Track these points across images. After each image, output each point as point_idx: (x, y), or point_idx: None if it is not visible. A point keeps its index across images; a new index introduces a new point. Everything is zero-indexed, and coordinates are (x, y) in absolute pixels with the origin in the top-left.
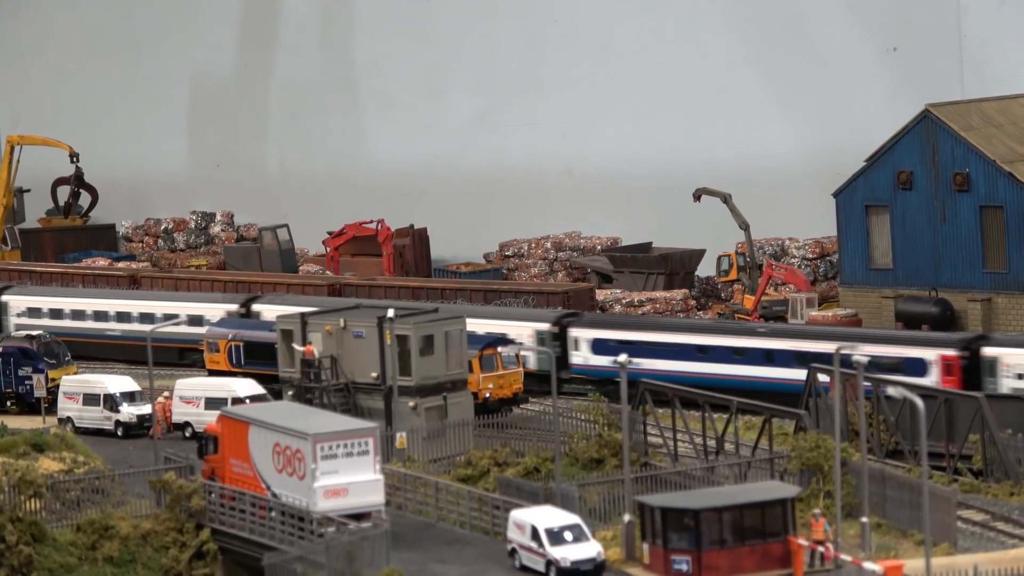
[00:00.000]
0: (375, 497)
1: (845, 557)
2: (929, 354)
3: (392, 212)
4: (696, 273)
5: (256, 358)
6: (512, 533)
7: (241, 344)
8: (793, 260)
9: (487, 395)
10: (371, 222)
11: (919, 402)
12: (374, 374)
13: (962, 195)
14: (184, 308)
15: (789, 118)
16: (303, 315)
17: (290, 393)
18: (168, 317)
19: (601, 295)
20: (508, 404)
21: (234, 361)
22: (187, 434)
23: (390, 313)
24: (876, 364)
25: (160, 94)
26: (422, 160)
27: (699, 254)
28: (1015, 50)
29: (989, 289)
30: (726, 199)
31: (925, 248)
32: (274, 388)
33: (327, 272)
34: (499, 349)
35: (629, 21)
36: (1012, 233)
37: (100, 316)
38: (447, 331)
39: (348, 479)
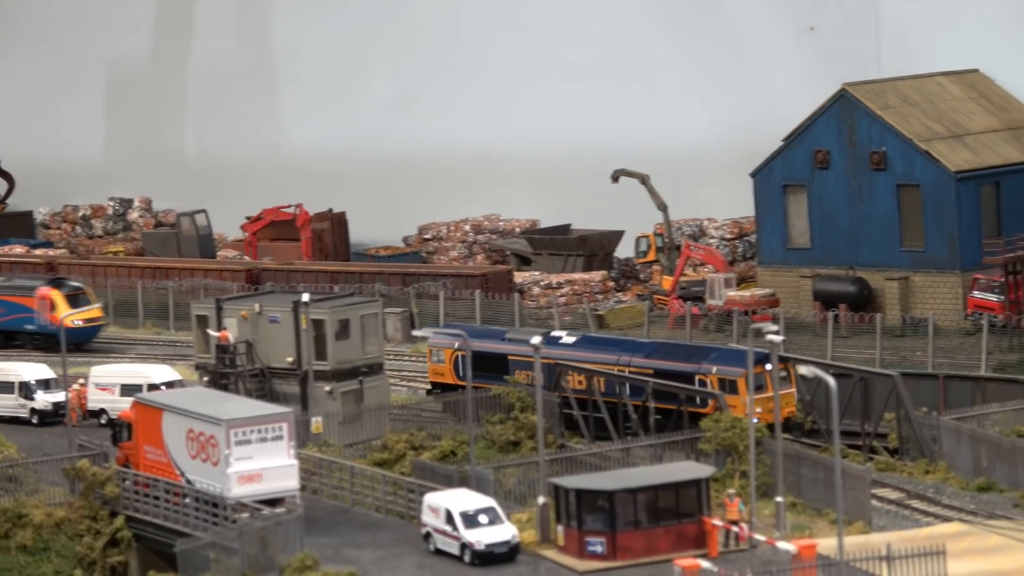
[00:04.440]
0: (289, 482)
1: (760, 537)
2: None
3: (310, 196)
4: (615, 254)
5: (486, 370)
6: (427, 517)
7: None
8: (711, 240)
9: (755, 420)
10: (289, 207)
11: (831, 381)
12: (290, 359)
13: (879, 174)
14: None
15: (707, 98)
16: (218, 300)
17: (205, 379)
18: None
19: (520, 277)
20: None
21: (460, 373)
22: (102, 421)
23: (305, 297)
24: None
25: (77, 80)
26: (340, 144)
27: (617, 235)
28: (931, 29)
29: (907, 268)
30: (644, 180)
31: (842, 227)
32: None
33: (245, 257)
34: (767, 367)
35: (546, 3)
36: (929, 211)
37: None
38: (363, 315)
39: (262, 465)
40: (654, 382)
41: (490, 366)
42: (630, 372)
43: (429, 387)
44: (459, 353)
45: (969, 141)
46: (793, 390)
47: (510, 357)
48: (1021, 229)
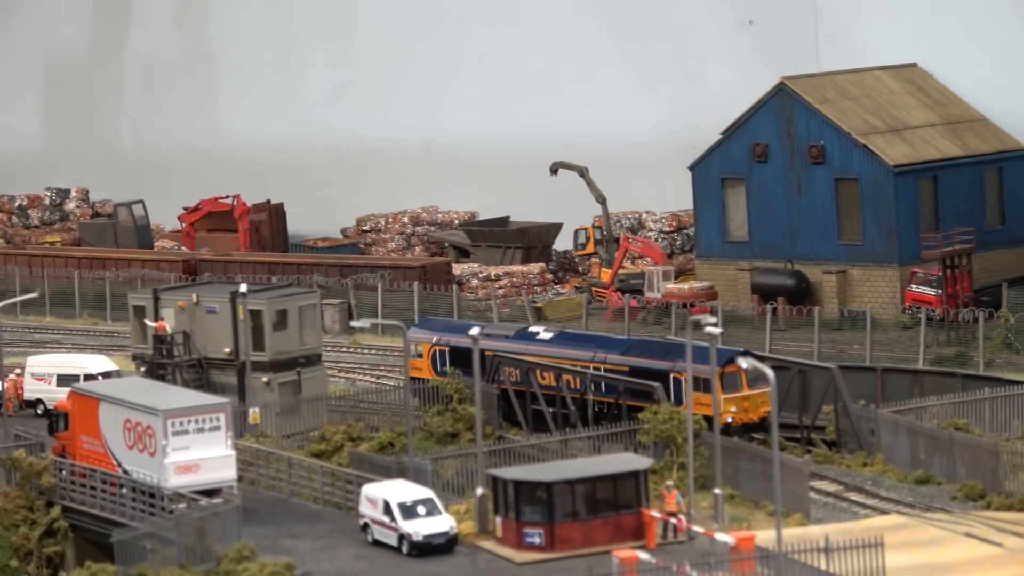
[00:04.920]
0: (227, 473)
1: (698, 529)
2: None
3: (248, 187)
4: (553, 247)
5: (464, 364)
6: (364, 508)
7: (447, 349)
8: (650, 233)
9: (729, 420)
10: (227, 197)
11: (770, 373)
12: (227, 349)
13: (817, 167)
14: None
15: (645, 91)
16: (155, 290)
17: (142, 369)
18: None
19: (458, 269)
20: (755, 431)
21: (439, 368)
22: (39, 411)
23: (242, 288)
24: None
25: (13, 69)
26: (278, 135)
27: (556, 228)
28: (870, 23)
29: (844, 261)
30: (583, 173)
31: (781, 220)
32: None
33: (183, 248)
34: (743, 365)
35: None
36: (867, 205)
37: None
38: (301, 306)
39: (199, 455)
40: (593, 375)
41: (467, 361)
42: (605, 369)
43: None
44: (437, 348)
45: (907, 135)
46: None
47: (487, 352)
48: (958, 223)
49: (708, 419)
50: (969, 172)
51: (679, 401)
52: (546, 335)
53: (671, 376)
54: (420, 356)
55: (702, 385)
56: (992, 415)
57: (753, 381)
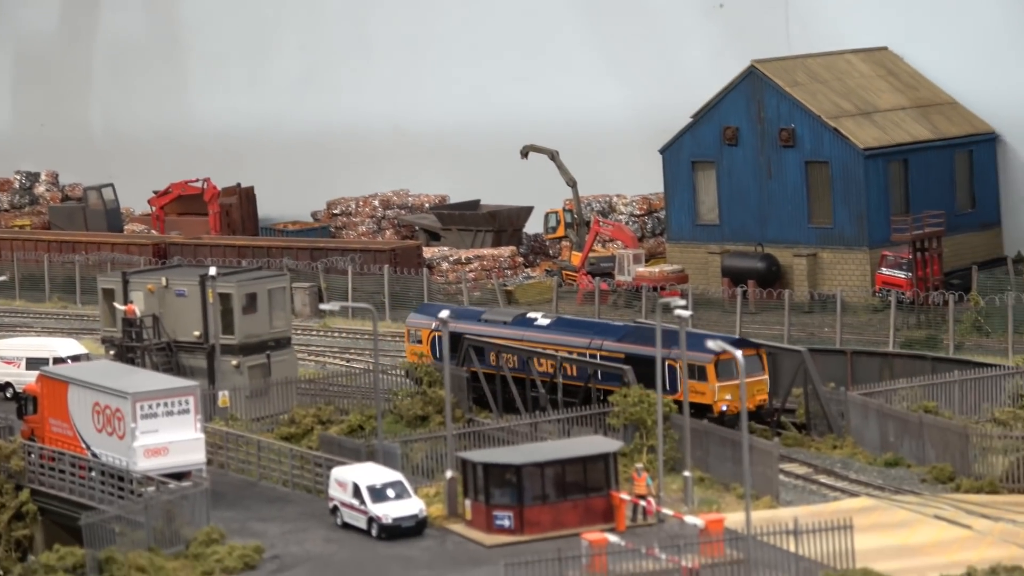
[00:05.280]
0: (196, 456)
1: (667, 511)
2: None
3: (218, 171)
4: (524, 230)
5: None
6: (334, 491)
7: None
8: (620, 217)
9: (724, 408)
10: (197, 181)
11: (739, 355)
12: (197, 332)
13: (788, 151)
14: None
15: (616, 75)
16: (125, 273)
17: (111, 352)
18: None
19: (429, 253)
20: (750, 419)
21: (438, 354)
22: (8, 395)
23: (212, 271)
24: None
25: None
26: (248, 119)
27: (527, 211)
28: (840, 6)
29: (815, 244)
30: (553, 156)
31: (751, 204)
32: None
33: (153, 231)
34: (711, 347)
35: None
36: (837, 188)
37: None
38: (270, 289)
39: (168, 438)
40: (562, 357)
41: (503, 349)
42: (601, 356)
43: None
44: (436, 334)
45: (877, 119)
46: (765, 376)
47: (488, 340)
48: (928, 206)
49: (706, 407)
50: (939, 155)
51: (674, 389)
52: (544, 321)
53: (666, 363)
54: (420, 342)
55: (696, 373)
56: (962, 398)
57: (749, 369)
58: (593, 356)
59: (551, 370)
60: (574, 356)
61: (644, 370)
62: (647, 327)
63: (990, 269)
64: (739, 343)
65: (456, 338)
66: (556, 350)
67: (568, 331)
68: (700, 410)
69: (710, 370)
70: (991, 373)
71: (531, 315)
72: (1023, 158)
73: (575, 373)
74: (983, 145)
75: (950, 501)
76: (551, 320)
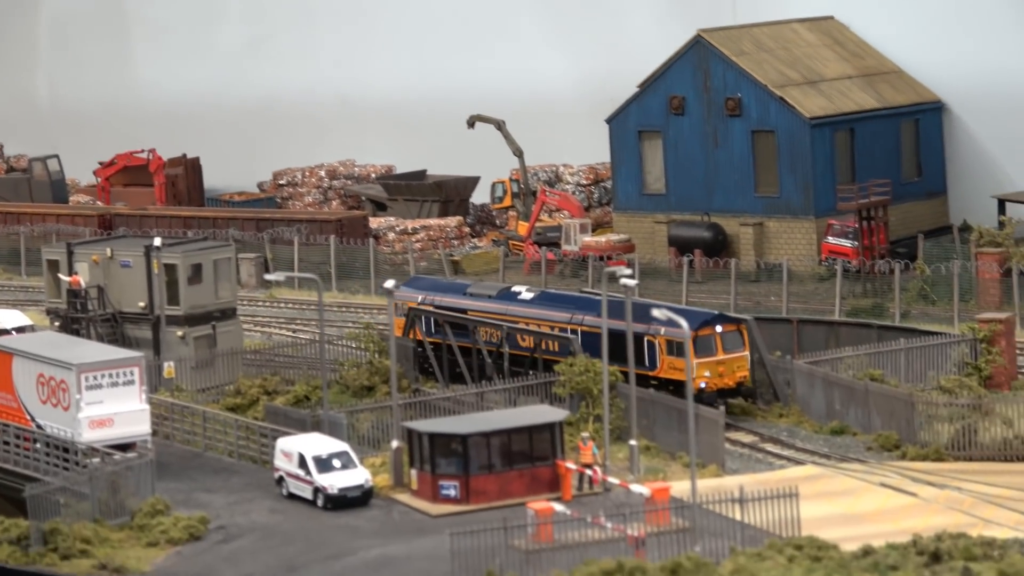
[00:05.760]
0: (141, 427)
1: (613, 480)
2: None
3: (164, 141)
4: (471, 200)
5: (452, 326)
6: (279, 461)
7: (431, 308)
8: (567, 186)
9: (702, 385)
10: (142, 152)
11: (685, 324)
12: (142, 303)
13: (734, 120)
14: None
15: (562, 44)
16: (69, 244)
17: (56, 324)
18: None
19: (375, 223)
20: (730, 396)
21: (424, 329)
22: None
23: (156, 242)
24: None
25: None
26: (194, 89)
27: (473, 181)
28: None
29: (761, 213)
30: (500, 126)
31: (697, 173)
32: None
33: (98, 202)
34: (716, 329)
35: None
36: (783, 157)
37: None
38: (216, 260)
39: (113, 409)
40: (508, 327)
41: (451, 320)
42: (583, 331)
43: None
44: (424, 307)
45: (823, 88)
46: (746, 353)
47: (470, 313)
48: (875, 175)
49: (682, 384)
50: (885, 124)
51: (653, 365)
52: (527, 295)
53: (645, 339)
54: (407, 315)
55: (675, 349)
56: (907, 366)
57: (729, 345)
58: (575, 331)
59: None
60: (520, 326)
61: (624, 345)
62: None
63: (936, 238)
64: (719, 318)
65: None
66: (539, 325)
67: (551, 305)
68: (678, 386)
69: (688, 346)
70: (937, 341)
71: (515, 289)
72: (969, 127)
73: (530, 344)
74: (929, 114)
75: (896, 469)
76: (535, 294)
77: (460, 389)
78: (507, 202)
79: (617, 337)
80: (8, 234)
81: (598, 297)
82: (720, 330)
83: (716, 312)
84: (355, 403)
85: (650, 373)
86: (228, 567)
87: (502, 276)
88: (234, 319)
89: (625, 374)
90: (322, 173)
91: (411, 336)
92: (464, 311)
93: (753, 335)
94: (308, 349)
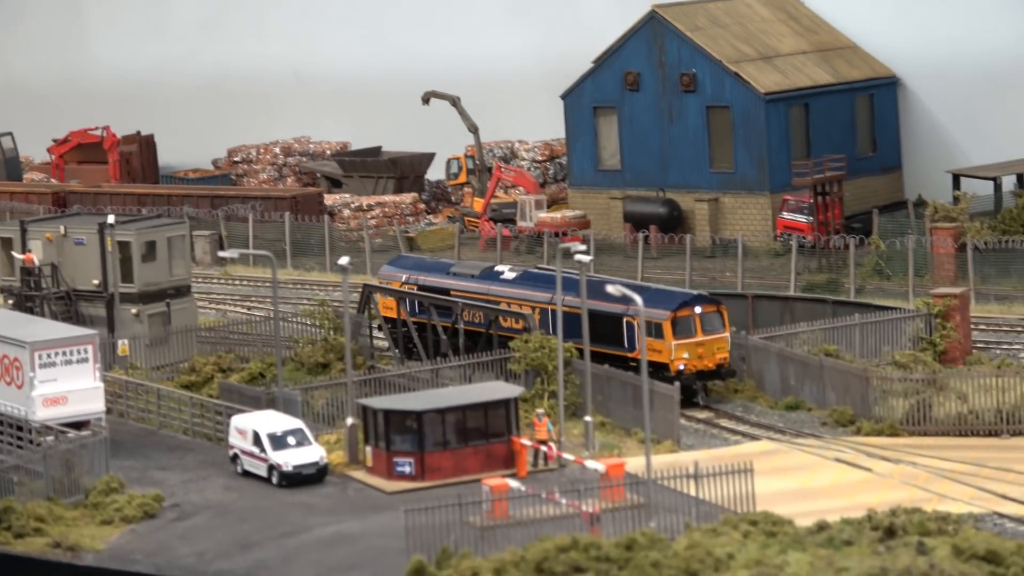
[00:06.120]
0: (95, 405)
1: (568, 456)
2: None
3: (118, 119)
4: (426, 177)
5: (435, 305)
6: (234, 439)
7: (415, 288)
8: (522, 163)
9: (681, 367)
10: (96, 129)
11: (638, 299)
12: (96, 281)
13: (689, 95)
14: None
15: (517, 20)
16: (23, 222)
17: (9, 302)
18: None
19: (330, 200)
20: (710, 378)
21: (408, 308)
22: None
23: (110, 219)
24: None
25: None
26: (148, 66)
27: (428, 157)
28: None
29: (716, 189)
30: (455, 102)
31: (653, 149)
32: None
33: (52, 180)
34: (695, 310)
35: None
36: (738, 133)
37: None
38: (170, 237)
39: (67, 387)
40: (463, 302)
41: (435, 300)
42: (564, 311)
43: (379, 323)
44: (406, 287)
45: (778, 63)
46: (726, 334)
47: (453, 292)
48: (829, 151)
49: (663, 366)
50: (840, 99)
51: (632, 347)
52: (510, 275)
53: (624, 320)
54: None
55: (653, 330)
56: (862, 341)
57: (709, 326)
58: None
59: (477, 319)
60: (473, 301)
61: (602, 327)
62: (608, 282)
63: (891, 213)
64: (699, 299)
65: (425, 291)
66: (520, 305)
67: (532, 285)
68: (657, 369)
69: (667, 327)
70: (891, 316)
71: (498, 268)
72: (924, 102)
73: (482, 320)
74: (884, 89)
75: (850, 444)
76: (517, 274)
77: (416, 366)
78: (462, 178)
79: (596, 318)
80: None
81: (576, 276)
82: (699, 311)
83: (695, 292)
84: (310, 380)
85: (629, 355)
86: (183, 545)
87: (457, 253)
88: (188, 297)
89: (580, 351)
90: (277, 150)
91: (365, 313)
92: (447, 291)
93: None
94: (263, 326)
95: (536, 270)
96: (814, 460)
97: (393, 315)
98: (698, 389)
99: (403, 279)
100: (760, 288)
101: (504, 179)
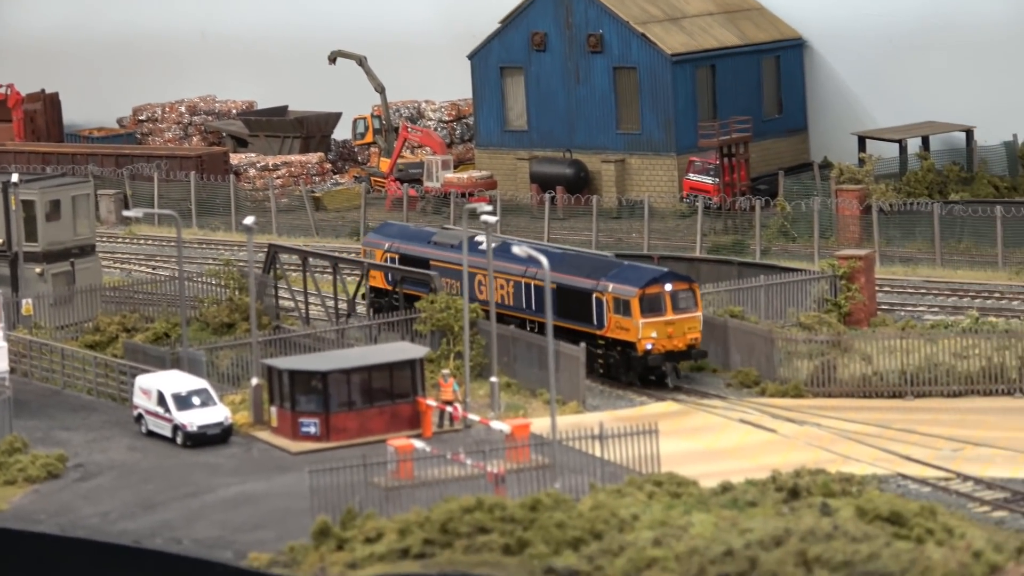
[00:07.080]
0: None
1: (474, 417)
2: None
3: (22, 77)
4: (332, 136)
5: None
6: (138, 399)
7: (397, 257)
8: (429, 123)
9: (648, 347)
10: (0, 87)
11: (544, 260)
12: None
13: (596, 56)
14: None
15: None
16: None
17: None
18: None
19: (236, 159)
20: (681, 359)
21: (390, 277)
22: None
23: (14, 178)
24: None
25: None
26: (53, 23)
27: (335, 117)
28: None
29: (622, 150)
30: (361, 62)
31: (559, 110)
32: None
33: None
34: (665, 287)
35: None
36: (645, 94)
37: None
38: (74, 196)
39: None
40: (368, 264)
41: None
42: (534, 285)
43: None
44: (389, 255)
45: (685, 24)
46: (699, 313)
47: (432, 262)
48: (736, 112)
49: (630, 345)
50: (746, 61)
51: (601, 324)
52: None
53: (593, 296)
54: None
55: (621, 307)
56: (767, 302)
57: (680, 305)
58: (528, 285)
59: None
60: (380, 263)
61: (574, 303)
62: (581, 256)
63: (796, 174)
64: (669, 276)
65: (406, 260)
66: (508, 279)
67: (508, 258)
68: (625, 348)
69: (634, 305)
70: (797, 278)
71: (479, 239)
72: (829, 64)
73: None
74: (790, 51)
75: (755, 405)
76: (496, 245)
77: (322, 326)
78: (369, 138)
79: (565, 293)
80: None
81: (557, 250)
82: (670, 288)
83: (665, 269)
84: (215, 340)
85: (598, 332)
86: (86, 505)
87: (363, 213)
88: (93, 256)
89: (487, 312)
90: (182, 109)
91: (271, 273)
92: (427, 261)
93: None
94: (168, 286)
95: (514, 241)
96: (719, 421)
97: (376, 284)
98: (667, 371)
99: (385, 247)
100: (666, 249)
101: (411, 139)
